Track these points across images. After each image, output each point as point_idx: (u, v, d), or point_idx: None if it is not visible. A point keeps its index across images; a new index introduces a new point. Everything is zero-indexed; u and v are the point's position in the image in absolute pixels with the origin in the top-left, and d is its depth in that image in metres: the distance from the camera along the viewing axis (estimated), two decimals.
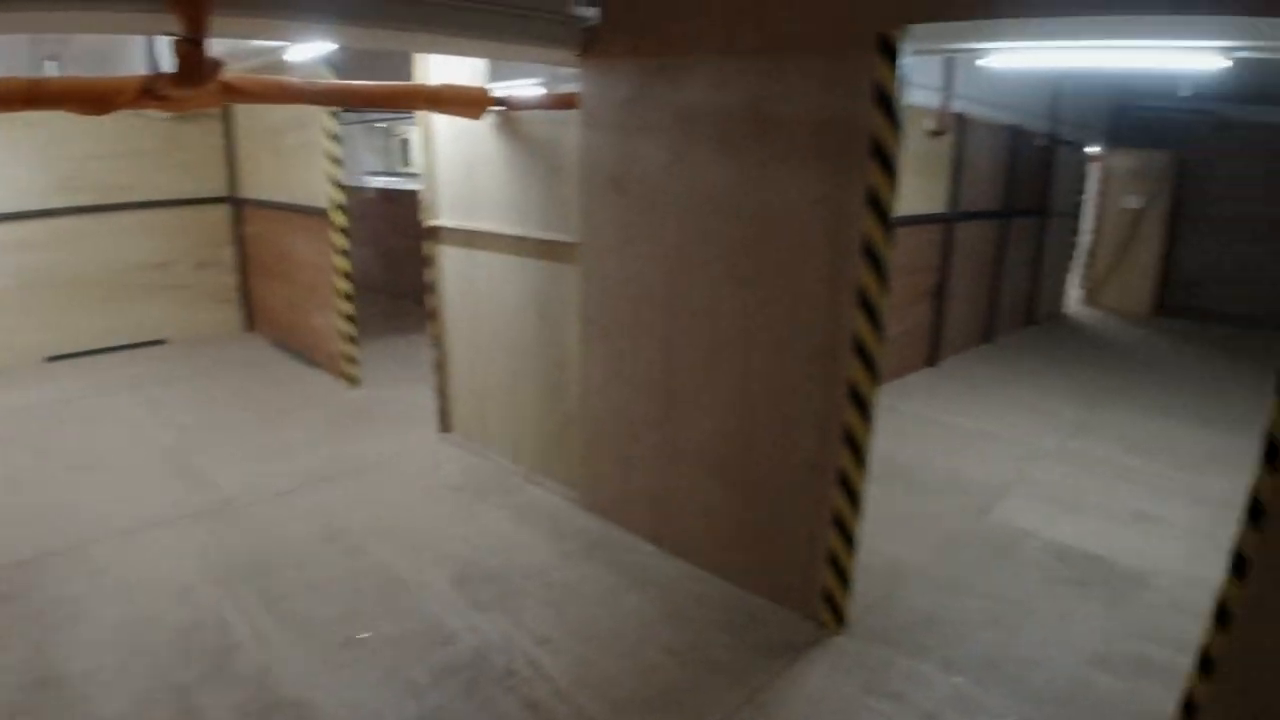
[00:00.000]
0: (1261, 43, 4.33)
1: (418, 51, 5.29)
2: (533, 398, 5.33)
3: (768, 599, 4.06)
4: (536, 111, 4.87)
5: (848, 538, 3.69)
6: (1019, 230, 10.17)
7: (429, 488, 5.37)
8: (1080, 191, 12.52)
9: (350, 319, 7.32)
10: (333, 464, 5.75)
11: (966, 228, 8.73)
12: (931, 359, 8.65)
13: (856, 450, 3.56)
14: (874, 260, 3.34)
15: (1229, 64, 5.07)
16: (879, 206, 3.29)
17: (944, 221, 8.31)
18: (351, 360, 7.42)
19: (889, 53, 3.20)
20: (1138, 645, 3.80)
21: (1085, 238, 13.00)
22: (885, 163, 3.26)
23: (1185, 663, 3.07)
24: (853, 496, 3.62)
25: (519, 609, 3.98)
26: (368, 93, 4.69)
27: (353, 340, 7.39)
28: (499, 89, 5.08)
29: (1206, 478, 5.99)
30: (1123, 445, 6.59)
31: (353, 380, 7.47)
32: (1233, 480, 5.96)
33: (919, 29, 3.20)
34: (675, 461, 4.37)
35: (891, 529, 4.83)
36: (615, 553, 4.55)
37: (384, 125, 14.07)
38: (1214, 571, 4.52)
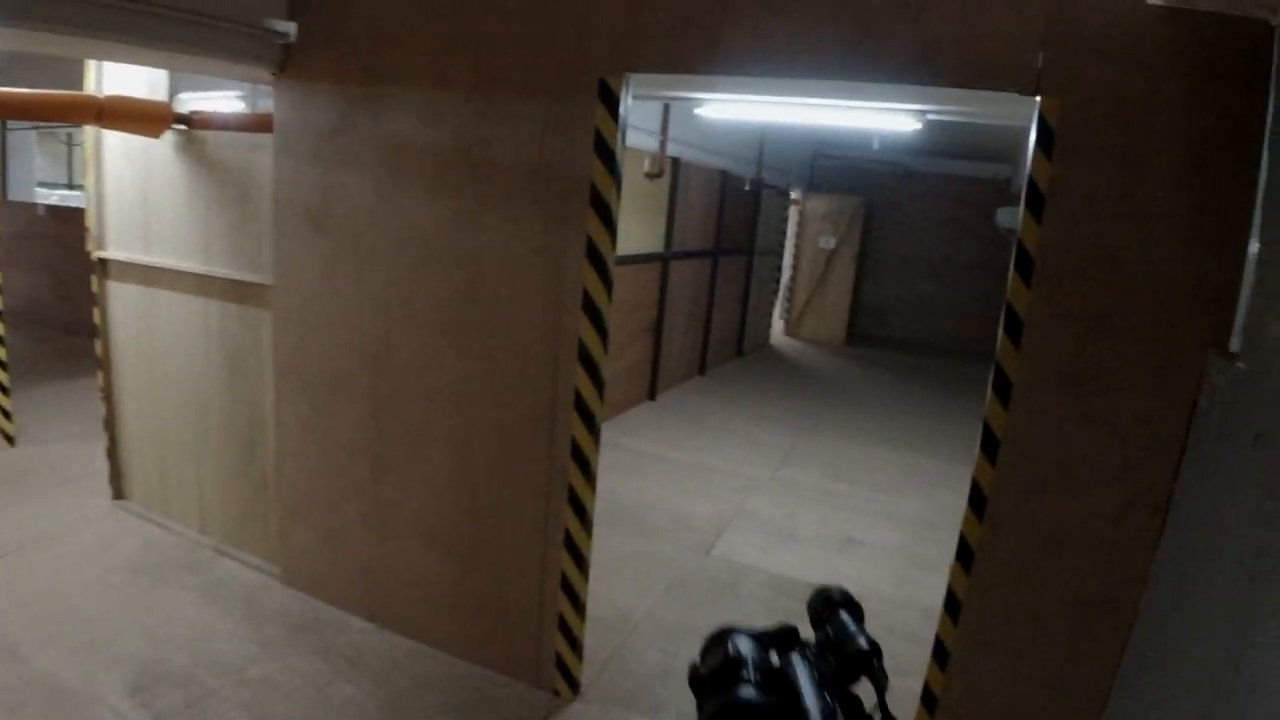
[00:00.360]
0: (948, 107, 4.84)
1: (86, 58, 4.53)
2: (223, 460, 4.67)
3: (498, 672, 3.79)
4: (227, 134, 4.31)
5: (576, 601, 3.53)
6: (728, 268, 10.74)
7: (101, 569, 4.53)
8: (782, 232, 13.55)
9: (2, 365, 6.14)
10: None
11: (681, 266, 9.05)
12: (652, 392, 8.84)
13: (581, 511, 3.41)
14: (594, 314, 3.22)
15: (919, 126, 5.65)
16: (598, 258, 3.18)
17: (661, 260, 8.54)
18: (5, 414, 6.23)
19: (610, 100, 3.12)
20: None
21: (786, 274, 14.08)
22: (604, 213, 3.16)
23: (906, 686, 3.19)
24: (579, 559, 3.47)
25: (209, 717, 3.41)
26: (20, 102, 3.91)
27: (4, 391, 6.20)
28: (190, 100, 4.46)
29: (903, 499, 6.54)
30: (828, 471, 7.05)
31: (9, 438, 6.27)
32: (926, 499, 6.58)
33: (640, 77, 3.15)
34: (388, 530, 3.99)
35: (620, 574, 4.76)
36: (324, 635, 4.06)
37: (66, 130, 12.24)
38: (918, 591, 4.86)
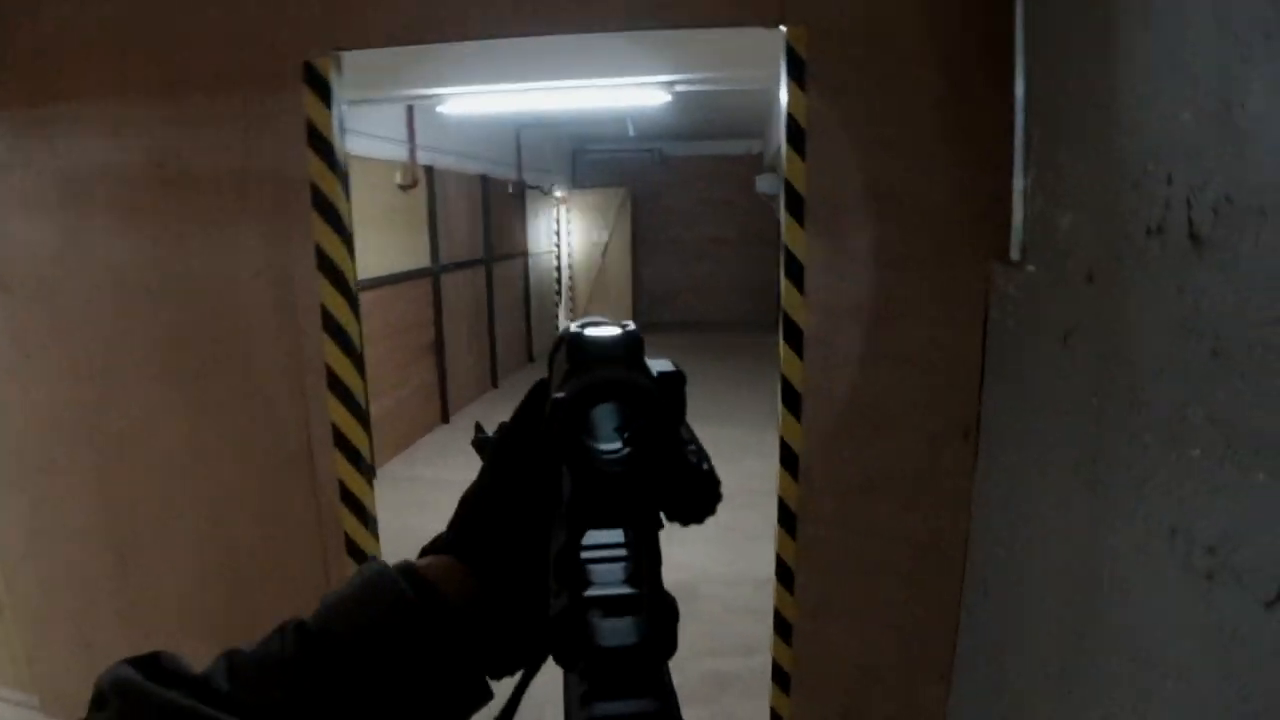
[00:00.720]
0: (694, 75, 4.72)
1: None
2: None
3: None
4: None
5: None
6: (504, 273, 10.36)
7: None
8: (556, 230, 13.32)
9: None
10: None
11: (454, 278, 8.57)
12: (444, 415, 8.32)
13: (360, 556, 2.95)
14: (339, 336, 2.76)
15: (669, 99, 5.54)
16: (333, 270, 2.73)
17: (431, 275, 8.03)
18: None
19: (319, 85, 2.67)
20: (709, 663, 3.77)
21: (565, 272, 13.86)
22: (332, 218, 2.71)
23: (755, 664, 3.02)
24: None
25: None
26: None
27: None
28: None
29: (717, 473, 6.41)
30: None
31: None
32: (739, 469, 6.49)
33: (354, 58, 2.73)
34: (148, 624, 3.32)
35: None
36: None
37: None
38: (749, 564, 4.73)
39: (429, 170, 7.92)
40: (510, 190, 10.69)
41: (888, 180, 2.41)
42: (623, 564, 0.57)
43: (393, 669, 0.52)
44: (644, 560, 0.55)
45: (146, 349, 3.00)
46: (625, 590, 0.55)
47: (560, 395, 0.50)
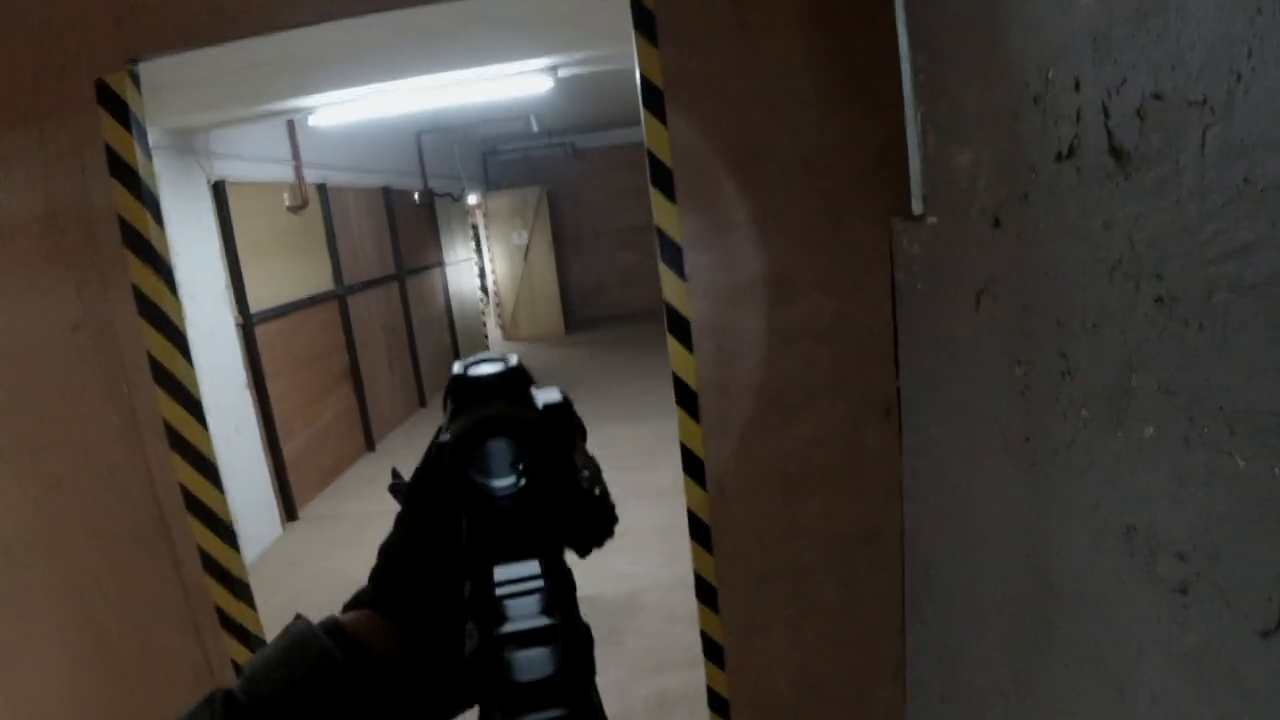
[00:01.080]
0: (570, 56, 4.40)
1: None
2: None
3: None
4: None
5: None
6: (419, 287, 9.93)
7: None
8: (474, 237, 12.90)
9: None
10: None
11: (363, 298, 8.13)
12: (369, 443, 7.90)
13: (245, 636, 2.60)
14: (173, 386, 2.40)
15: (551, 84, 5.21)
16: (156, 313, 2.37)
17: (336, 298, 7.60)
18: None
19: (114, 104, 2.30)
20: (654, 682, 3.53)
21: (490, 279, 13.44)
22: (146, 253, 2.35)
23: (702, 678, 2.77)
24: None
25: None
26: None
27: None
28: None
29: (654, 471, 6.15)
30: None
31: None
32: (674, 466, 6.23)
33: (154, 67, 2.37)
34: None
35: None
36: None
37: None
38: (689, 568, 4.52)
39: (321, 188, 7.48)
40: (417, 200, 10.25)
41: (763, 138, 2.13)
42: (538, 596, 0.56)
43: None
44: (553, 587, 0.55)
45: None
46: (540, 622, 0.54)
47: (443, 440, 0.54)
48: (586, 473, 0.60)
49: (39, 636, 2.80)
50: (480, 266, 13.14)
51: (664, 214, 2.15)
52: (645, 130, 2.12)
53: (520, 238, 13.04)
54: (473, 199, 12.76)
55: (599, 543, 0.60)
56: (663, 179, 2.13)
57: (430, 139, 10.50)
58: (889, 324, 2.15)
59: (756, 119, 2.12)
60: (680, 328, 2.22)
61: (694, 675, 3.41)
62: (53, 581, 2.72)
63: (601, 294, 14.33)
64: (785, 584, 2.39)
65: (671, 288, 2.20)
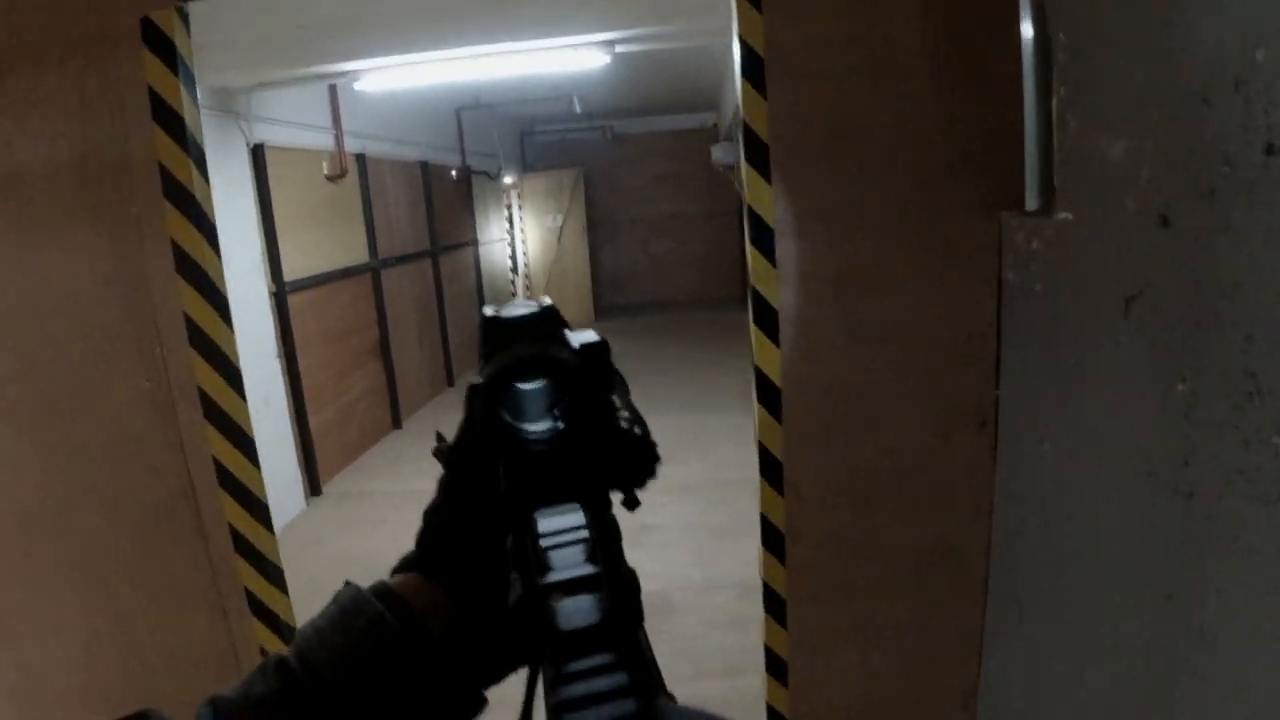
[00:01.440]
0: (634, 31, 4.22)
1: None
2: None
3: None
4: None
5: None
6: (453, 264, 9.80)
7: None
8: (508, 217, 12.74)
9: None
10: None
11: (396, 273, 8.00)
12: (396, 420, 7.77)
13: (273, 620, 2.46)
14: (211, 351, 2.25)
15: (608, 60, 5.04)
16: (196, 271, 2.22)
17: (370, 271, 7.47)
18: None
19: (162, 45, 2.15)
20: (690, 689, 3.32)
21: (520, 260, 13.27)
22: (189, 206, 2.20)
23: (742, 687, 2.63)
24: None
25: None
26: None
27: None
28: None
29: (685, 465, 6.00)
30: None
31: None
32: (708, 459, 6.07)
33: (200, 19, 2.22)
34: (46, 703, 2.82)
35: None
36: None
37: None
38: (727, 566, 4.33)
39: (360, 158, 7.34)
40: (454, 176, 10.11)
41: (864, 118, 1.95)
42: (583, 545, 0.55)
43: (380, 696, 0.50)
44: (598, 536, 0.54)
45: None
46: (585, 570, 0.53)
47: (476, 382, 0.52)
48: (626, 412, 0.57)
49: (58, 611, 2.68)
50: (512, 247, 13.00)
51: (758, 193, 1.97)
52: (742, 102, 1.93)
53: (555, 220, 12.86)
54: (509, 178, 12.61)
55: (641, 483, 0.57)
56: (759, 156, 1.94)
57: (470, 116, 10.35)
58: (991, 326, 1.96)
59: (858, 96, 1.93)
60: (766, 318, 2.04)
61: (733, 684, 3.25)
62: (72, 553, 2.58)
63: (632, 281, 14.15)
64: (859, 600, 2.21)
65: (760, 274, 2.02)
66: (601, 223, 13.82)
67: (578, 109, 10.49)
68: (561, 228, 12.88)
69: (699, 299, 13.60)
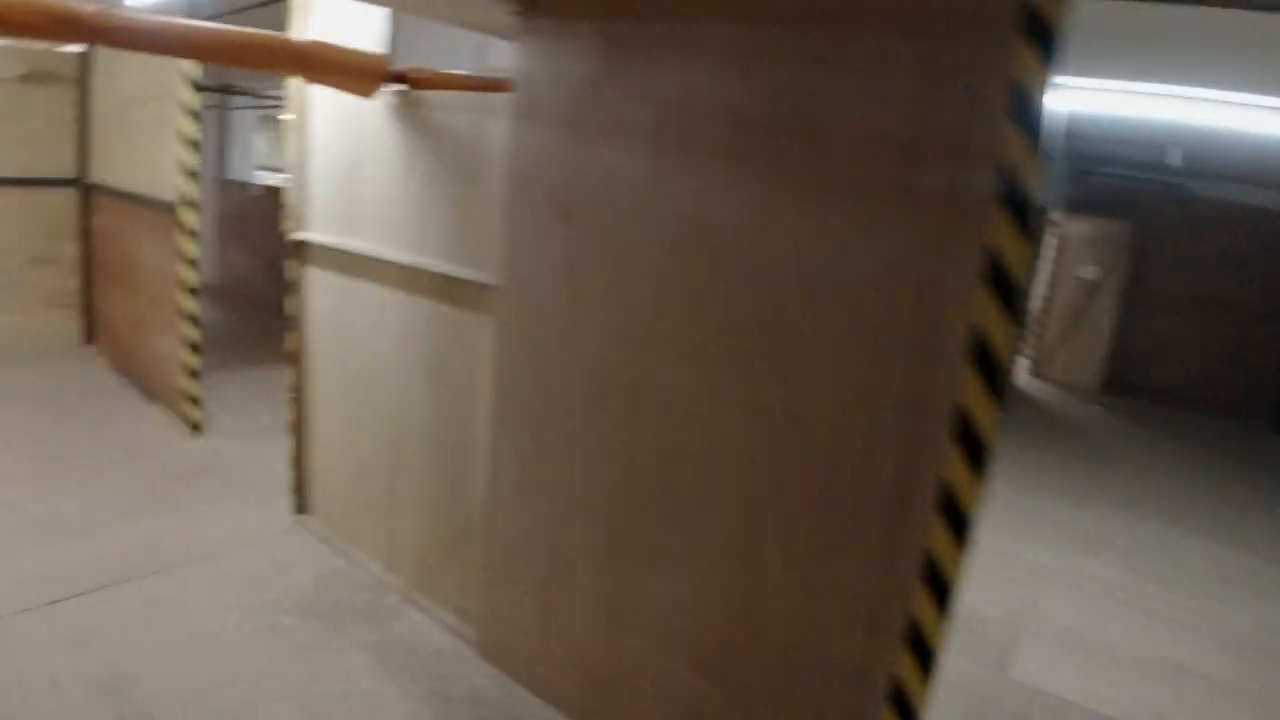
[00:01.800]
0: None
1: None
2: (420, 491, 3.86)
3: None
4: (453, 96, 3.48)
5: None
6: None
7: (267, 604, 3.82)
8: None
9: (194, 347, 5.70)
10: (141, 552, 4.13)
11: None
12: None
13: (925, 657, 2.28)
14: (989, 368, 2.07)
15: None
16: (1002, 282, 2.04)
17: None
18: (194, 400, 5.79)
19: (1042, 37, 1.97)
20: None
21: (1034, 304, 12.06)
22: (1021, 214, 2.01)
23: None
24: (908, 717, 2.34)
25: None
26: (209, 41, 3.15)
27: (195, 375, 5.76)
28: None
29: (1229, 608, 5.01)
30: (1125, 561, 5.53)
31: (195, 426, 5.84)
32: (1255, 611, 5.00)
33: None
34: (622, 621, 3.01)
35: None
36: None
37: (280, 109, 12.38)
38: None
39: None
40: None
41: None
42: None
43: None
44: None
45: (721, 327, 2.59)
46: None
47: None
48: None
49: (688, 548, 2.80)
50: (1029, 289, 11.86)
51: None
52: None
53: (1091, 273, 11.48)
54: (1055, 216, 11.53)
55: None
56: None
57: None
58: None
59: None
60: None
61: None
62: (732, 509, 2.65)
63: (1157, 364, 11.94)
64: None
65: None
66: (1139, 289, 11.83)
67: (1177, 162, 9.15)
68: (1097, 282, 11.46)
69: (1239, 407, 11.16)
